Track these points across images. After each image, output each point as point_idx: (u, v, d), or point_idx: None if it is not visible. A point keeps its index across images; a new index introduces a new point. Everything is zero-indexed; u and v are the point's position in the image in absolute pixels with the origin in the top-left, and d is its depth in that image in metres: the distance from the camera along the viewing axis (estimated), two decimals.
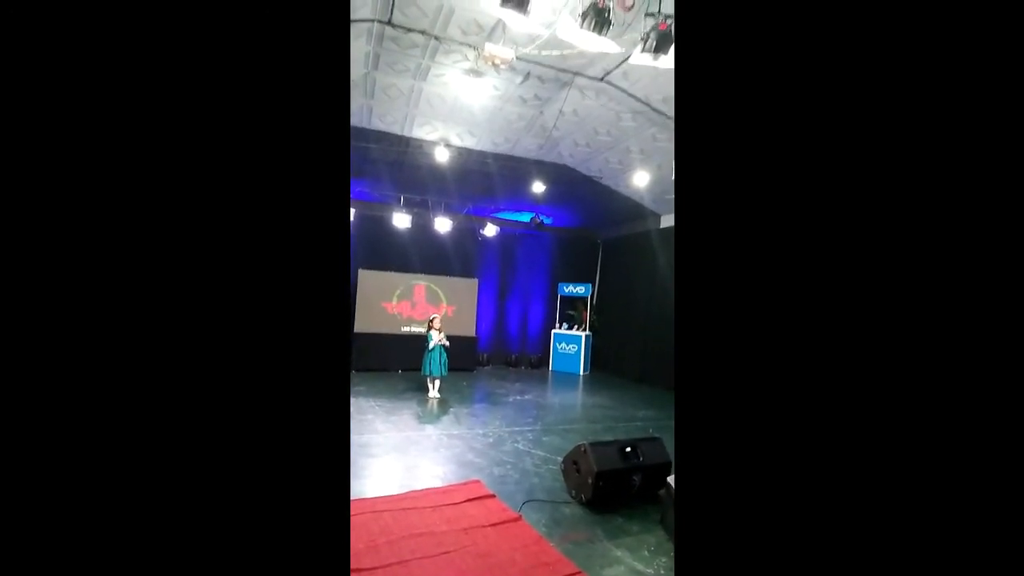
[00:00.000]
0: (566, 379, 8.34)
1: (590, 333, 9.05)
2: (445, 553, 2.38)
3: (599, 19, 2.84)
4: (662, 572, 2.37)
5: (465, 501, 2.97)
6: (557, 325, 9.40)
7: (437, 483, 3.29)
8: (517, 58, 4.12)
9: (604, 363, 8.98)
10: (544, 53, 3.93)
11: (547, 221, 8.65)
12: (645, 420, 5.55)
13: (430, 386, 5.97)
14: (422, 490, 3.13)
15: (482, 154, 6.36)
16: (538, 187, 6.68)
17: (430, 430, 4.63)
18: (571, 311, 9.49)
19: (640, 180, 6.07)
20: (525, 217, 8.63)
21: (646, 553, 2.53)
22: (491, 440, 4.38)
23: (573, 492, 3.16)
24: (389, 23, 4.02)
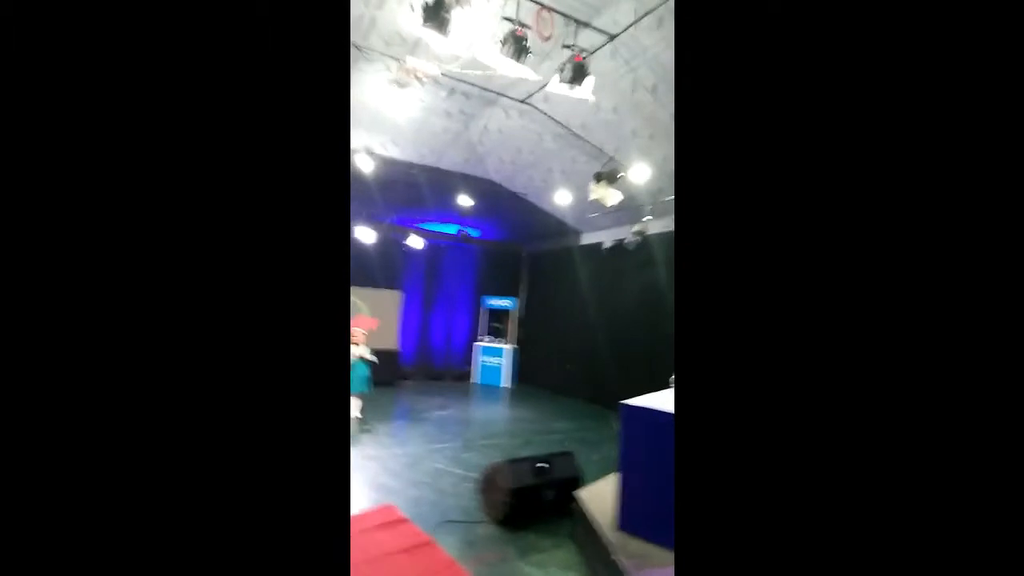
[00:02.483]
0: (490, 392, 8.36)
1: (516, 346, 9.17)
2: None
3: (517, 47, 2.93)
4: None
5: (377, 527, 2.87)
6: (481, 338, 9.42)
7: (351, 510, 3.14)
8: (441, 74, 4.13)
9: (529, 375, 9.12)
10: (467, 72, 3.97)
11: (474, 234, 8.67)
12: (563, 432, 5.70)
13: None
14: None
15: (407, 164, 6.26)
16: (464, 200, 6.68)
17: None
18: (496, 324, 9.56)
19: (562, 199, 6.28)
20: (452, 229, 8.60)
21: (554, 570, 2.59)
22: (409, 460, 4.27)
23: (487, 511, 3.17)
24: None
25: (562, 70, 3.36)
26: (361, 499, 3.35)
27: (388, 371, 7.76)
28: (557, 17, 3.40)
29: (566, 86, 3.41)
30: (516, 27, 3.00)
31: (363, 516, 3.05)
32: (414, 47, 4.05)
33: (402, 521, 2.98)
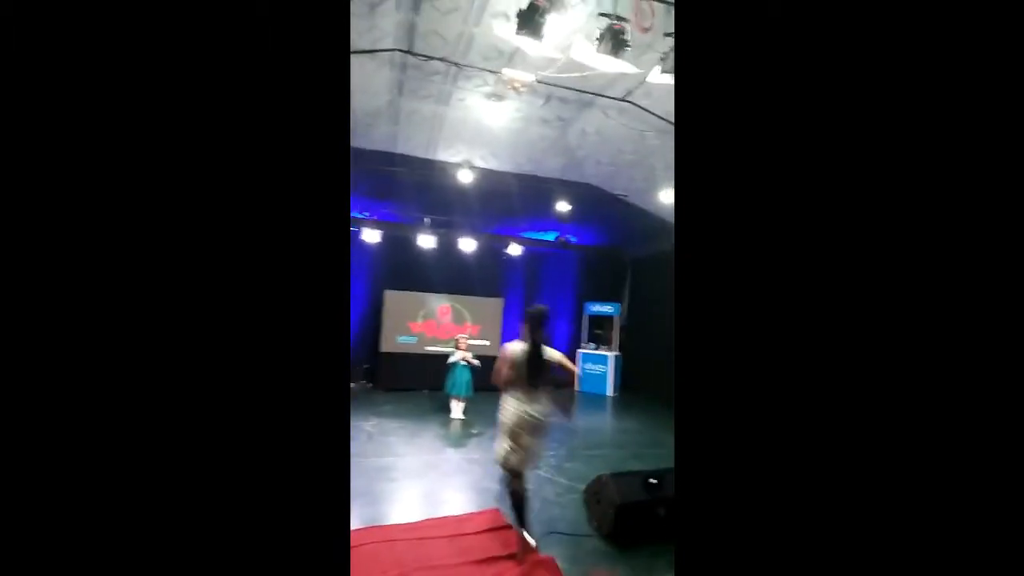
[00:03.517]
0: (593, 400, 8.15)
1: (619, 353, 8.85)
2: None
3: (615, 42, 2.82)
4: None
5: (482, 532, 2.89)
6: (584, 344, 9.24)
7: (454, 511, 3.23)
8: (537, 81, 4.15)
9: (633, 383, 8.73)
10: (564, 76, 3.94)
11: (572, 240, 8.59)
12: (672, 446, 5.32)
13: (453, 406, 5.93)
14: (438, 518, 3.07)
15: (506, 175, 6.40)
16: (563, 206, 6.65)
17: (451, 454, 4.58)
18: (598, 330, 9.32)
19: (666, 198, 5.96)
20: (550, 236, 8.60)
21: None
22: None
23: (595, 524, 3.04)
24: (410, 52, 4.13)
25: (664, 59, 3.17)
26: (464, 501, 3.42)
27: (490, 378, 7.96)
28: (658, 5, 3.23)
29: (669, 77, 3.21)
30: (613, 22, 2.90)
31: (470, 518, 3.11)
32: (511, 59, 4.13)
33: (507, 527, 2.98)
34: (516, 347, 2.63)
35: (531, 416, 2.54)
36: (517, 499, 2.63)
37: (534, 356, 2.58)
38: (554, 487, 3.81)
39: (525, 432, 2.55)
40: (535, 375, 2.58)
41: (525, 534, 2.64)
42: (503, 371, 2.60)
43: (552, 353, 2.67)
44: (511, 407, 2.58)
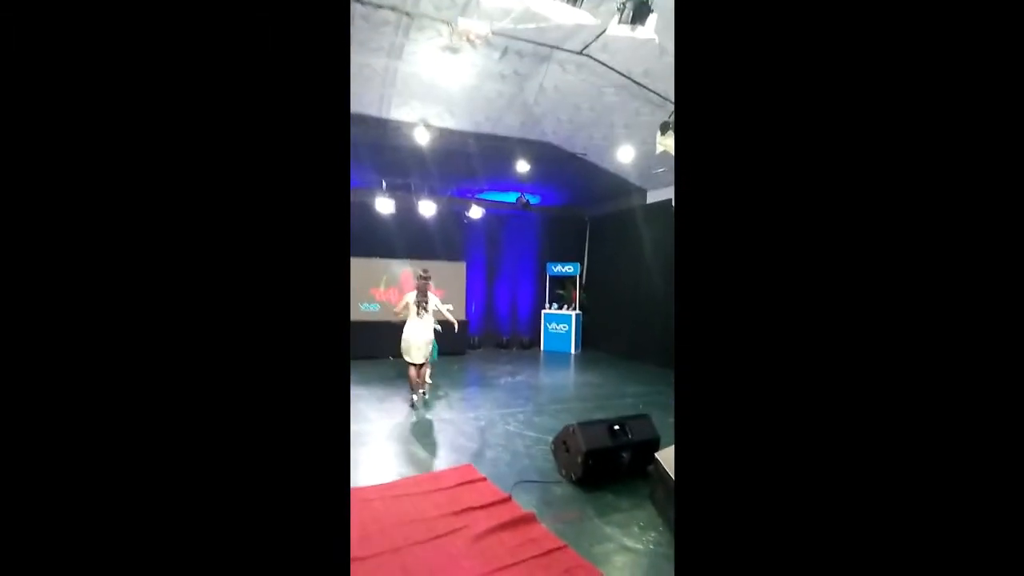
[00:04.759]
0: (557, 358, 8.38)
1: (580, 312, 9.07)
2: (436, 538, 2.39)
3: None
4: (651, 547, 2.41)
5: (456, 485, 2.98)
6: (547, 305, 9.40)
7: (428, 469, 3.30)
8: (493, 33, 3.99)
9: (594, 341, 9.02)
10: (520, 27, 3.80)
11: (533, 200, 8.55)
12: (635, 396, 5.60)
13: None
14: (413, 476, 3.14)
15: (463, 134, 6.22)
16: (522, 166, 6.56)
17: (421, 416, 4.63)
18: (560, 291, 9.48)
19: (625, 156, 5.99)
20: (511, 197, 8.53)
21: (636, 529, 2.56)
22: (483, 423, 4.39)
23: (563, 471, 3.19)
24: (358, 0, 3.86)
25: (622, 10, 3.11)
26: (439, 459, 3.50)
27: (457, 341, 8.00)
28: None
29: (627, 28, 3.16)
30: None
31: (444, 474, 3.19)
32: (464, 8, 3.93)
33: (481, 480, 3.08)
34: (411, 294, 4.76)
35: (411, 335, 4.69)
36: (410, 378, 4.87)
37: (419, 301, 4.71)
38: (523, 440, 3.95)
39: (408, 343, 4.70)
40: (418, 311, 4.72)
41: (415, 396, 4.91)
42: (400, 306, 4.82)
43: (435, 301, 4.84)
44: (405, 328, 4.73)
